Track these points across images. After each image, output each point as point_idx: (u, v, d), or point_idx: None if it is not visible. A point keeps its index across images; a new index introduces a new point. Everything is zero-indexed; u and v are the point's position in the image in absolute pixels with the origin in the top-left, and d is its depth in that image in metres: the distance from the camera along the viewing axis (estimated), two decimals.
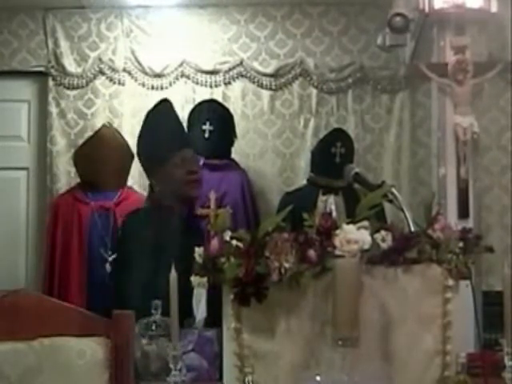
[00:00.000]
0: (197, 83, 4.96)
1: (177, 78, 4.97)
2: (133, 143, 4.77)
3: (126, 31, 4.99)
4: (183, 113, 4.82)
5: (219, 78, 4.96)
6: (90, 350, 2.17)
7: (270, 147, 4.95)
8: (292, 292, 2.15)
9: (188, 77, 4.96)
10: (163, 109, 3.17)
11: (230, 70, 4.97)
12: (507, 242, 4.36)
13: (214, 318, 2.42)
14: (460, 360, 2.12)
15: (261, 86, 4.97)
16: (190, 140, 3.18)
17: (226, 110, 4.65)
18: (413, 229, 2.31)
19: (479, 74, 4.12)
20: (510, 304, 2.11)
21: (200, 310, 3.15)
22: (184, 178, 2.98)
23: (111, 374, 2.18)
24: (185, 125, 4.66)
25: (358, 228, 2.17)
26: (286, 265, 2.11)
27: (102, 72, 4.98)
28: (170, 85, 4.96)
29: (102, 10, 4.99)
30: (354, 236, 2.14)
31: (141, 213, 3.19)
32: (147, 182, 4.90)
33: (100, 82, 4.98)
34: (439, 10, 4.02)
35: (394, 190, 2.51)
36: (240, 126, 4.80)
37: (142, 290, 2.78)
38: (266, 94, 4.97)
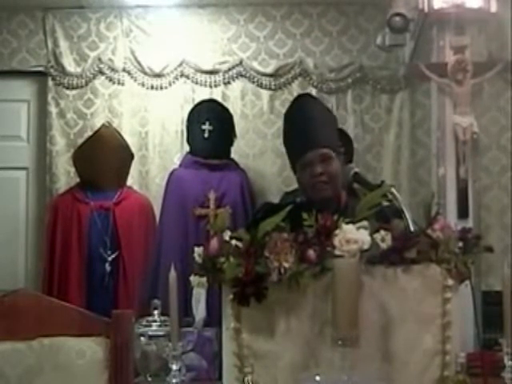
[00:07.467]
0: (196, 83, 4.96)
1: (176, 78, 4.96)
2: (132, 143, 4.81)
3: (126, 31, 4.99)
4: (183, 113, 4.84)
5: (219, 77, 4.96)
6: (89, 350, 2.17)
7: (270, 147, 4.95)
8: (291, 292, 2.14)
9: (187, 77, 4.96)
10: (296, 106, 2.84)
11: (229, 69, 4.97)
12: (507, 241, 4.35)
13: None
14: (459, 360, 2.12)
15: (260, 85, 4.97)
16: (318, 139, 2.72)
17: (226, 109, 4.64)
18: (412, 229, 2.30)
19: (479, 73, 4.13)
20: (510, 304, 2.11)
21: (199, 310, 3.16)
22: (309, 181, 2.72)
23: (111, 374, 2.18)
24: (184, 125, 4.71)
25: (358, 228, 2.16)
26: (286, 265, 2.10)
27: (101, 72, 4.98)
28: (170, 85, 4.96)
29: (102, 9, 4.99)
30: (354, 236, 2.14)
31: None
32: (147, 182, 4.98)
33: (99, 81, 4.98)
34: (439, 10, 4.03)
35: (393, 190, 2.51)
36: (239, 125, 4.79)
37: None
38: (265, 94, 4.97)
